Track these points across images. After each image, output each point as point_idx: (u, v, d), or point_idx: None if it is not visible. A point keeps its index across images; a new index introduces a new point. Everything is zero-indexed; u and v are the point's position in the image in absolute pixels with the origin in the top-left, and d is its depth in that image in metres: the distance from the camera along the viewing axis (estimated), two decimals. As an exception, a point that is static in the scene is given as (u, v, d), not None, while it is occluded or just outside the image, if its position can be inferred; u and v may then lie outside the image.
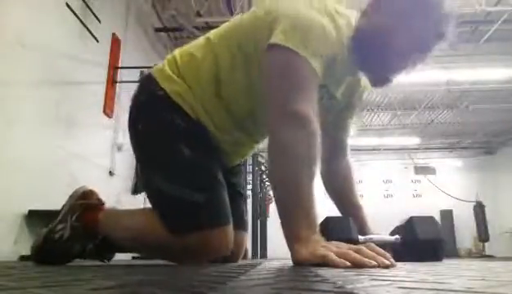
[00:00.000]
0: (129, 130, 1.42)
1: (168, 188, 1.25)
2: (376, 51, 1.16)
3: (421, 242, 1.45)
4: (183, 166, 1.27)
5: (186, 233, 1.22)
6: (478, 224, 10.84)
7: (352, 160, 1.72)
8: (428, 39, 1.15)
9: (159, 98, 1.31)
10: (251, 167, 6.98)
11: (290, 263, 1.07)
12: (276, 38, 1.10)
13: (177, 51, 1.41)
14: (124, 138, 4.48)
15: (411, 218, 1.56)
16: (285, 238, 1.02)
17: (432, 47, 1.16)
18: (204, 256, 1.28)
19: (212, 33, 1.38)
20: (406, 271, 1.09)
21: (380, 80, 1.26)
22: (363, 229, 1.52)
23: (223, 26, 1.39)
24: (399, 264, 1.06)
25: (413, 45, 1.15)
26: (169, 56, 1.41)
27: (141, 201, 4.45)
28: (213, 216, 1.24)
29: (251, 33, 1.26)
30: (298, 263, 0.97)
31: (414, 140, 11.69)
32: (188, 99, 1.30)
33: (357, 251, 0.92)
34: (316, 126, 1.05)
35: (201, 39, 1.40)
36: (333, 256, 0.88)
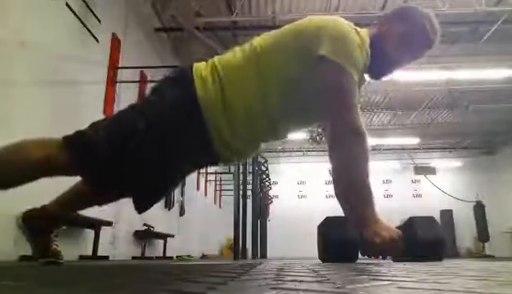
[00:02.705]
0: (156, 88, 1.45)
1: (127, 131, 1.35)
2: (385, 55, 1.42)
3: (421, 242, 1.45)
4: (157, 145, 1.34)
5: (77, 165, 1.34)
6: (478, 224, 10.83)
7: None
8: (423, 49, 1.47)
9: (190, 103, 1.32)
10: (251, 166, 6.96)
11: (290, 263, 1.07)
12: (326, 51, 1.26)
13: (217, 61, 1.39)
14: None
15: (411, 218, 1.57)
16: (358, 222, 1.28)
17: (424, 54, 1.47)
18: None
19: (257, 44, 1.39)
20: (406, 271, 1.09)
21: (380, 76, 1.50)
22: None
23: (267, 38, 1.40)
24: (399, 264, 1.06)
25: (413, 52, 1.46)
26: (211, 65, 1.39)
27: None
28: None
29: (296, 43, 1.34)
30: (371, 235, 1.21)
31: (414, 140, 11.69)
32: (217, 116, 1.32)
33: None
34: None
35: (242, 51, 1.39)
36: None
